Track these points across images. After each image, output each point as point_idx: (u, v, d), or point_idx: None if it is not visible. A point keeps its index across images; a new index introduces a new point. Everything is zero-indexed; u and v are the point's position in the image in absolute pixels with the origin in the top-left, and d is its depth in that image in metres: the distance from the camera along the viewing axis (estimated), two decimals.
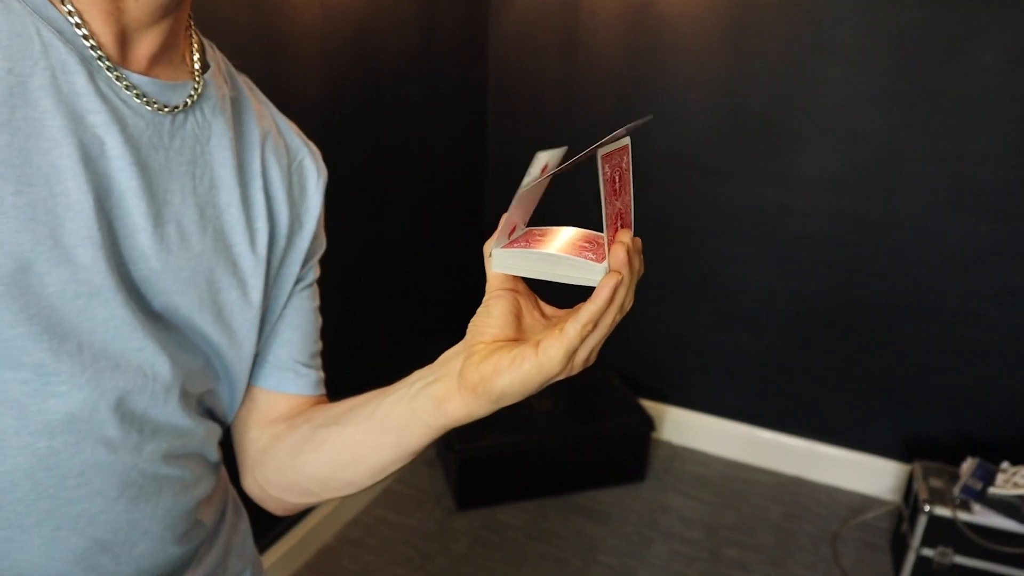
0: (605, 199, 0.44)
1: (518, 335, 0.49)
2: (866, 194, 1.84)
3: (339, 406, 0.63)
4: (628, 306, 0.47)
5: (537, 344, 0.46)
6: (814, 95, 1.82)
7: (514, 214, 0.48)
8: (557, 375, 0.47)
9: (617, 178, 0.45)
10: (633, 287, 0.46)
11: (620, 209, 0.46)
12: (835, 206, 1.87)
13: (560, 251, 0.46)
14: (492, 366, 0.47)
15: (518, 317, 0.50)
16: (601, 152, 0.43)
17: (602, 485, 2.03)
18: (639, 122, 0.45)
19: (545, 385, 0.47)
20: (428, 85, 1.89)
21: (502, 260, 0.48)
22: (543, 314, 0.52)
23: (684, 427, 2.23)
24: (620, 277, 0.44)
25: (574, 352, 0.46)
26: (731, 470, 2.14)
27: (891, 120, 1.77)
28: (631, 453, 2.04)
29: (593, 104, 2.04)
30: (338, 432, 0.60)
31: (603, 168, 0.43)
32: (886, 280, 1.88)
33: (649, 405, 2.21)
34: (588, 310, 0.45)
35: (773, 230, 1.96)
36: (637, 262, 0.46)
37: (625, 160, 0.46)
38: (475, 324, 0.50)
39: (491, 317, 0.49)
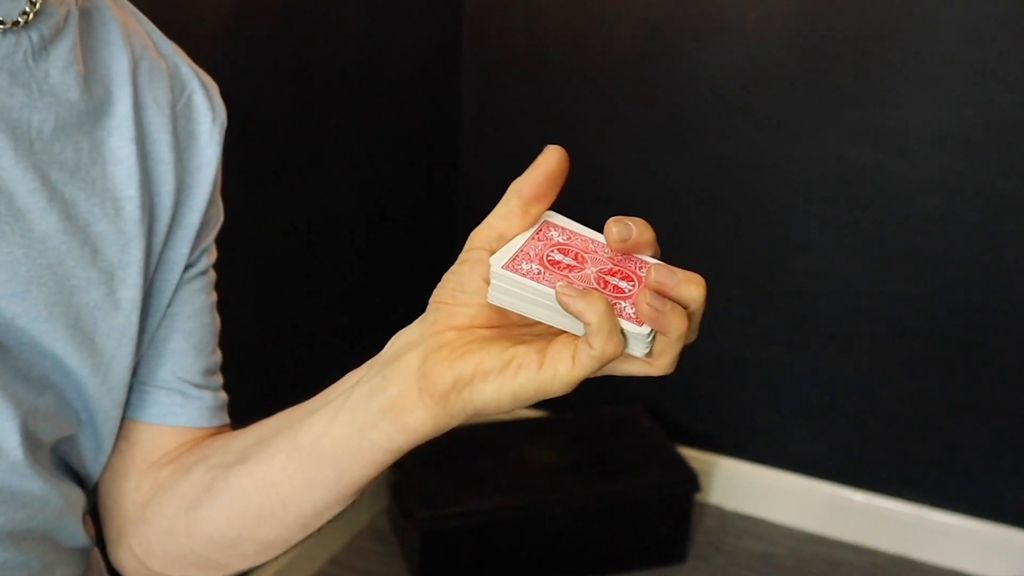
0: (556, 288, 0.45)
1: (501, 318, 0.50)
2: (1000, 155, 1.77)
3: (243, 436, 0.62)
4: (692, 338, 0.48)
5: (542, 351, 0.46)
6: (925, 14, 1.75)
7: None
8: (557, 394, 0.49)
9: (558, 255, 0.48)
10: (695, 319, 0.47)
11: (599, 272, 0.47)
12: (956, 173, 1.81)
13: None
14: (472, 367, 0.47)
15: None
16: (497, 264, 0.47)
17: (625, 568, 1.95)
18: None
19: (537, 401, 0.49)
20: None
21: (500, 291, 0.48)
22: None
23: (740, 486, 2.16)
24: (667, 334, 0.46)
25: None
26: (807, 546, 2.06)
27: None
28: (666, 522, 1.97)
29: (613, 30, 1.98)
30: (245, 472, 0.59)
31: (518, 270, 0.46)
32: None
33: (692, 455, 2.14)
34: (642, 371, 0.48)
35: (866, 207, 1.89)
36: (694, 291, 0.46)
37: (556, 233, 0.49)
38: (441, 300, 0.50)
39: (465, 292, 0.49)
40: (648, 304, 0.44)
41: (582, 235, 0.50)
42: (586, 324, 0.44)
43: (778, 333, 2.03)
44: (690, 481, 1.91)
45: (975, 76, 1.74)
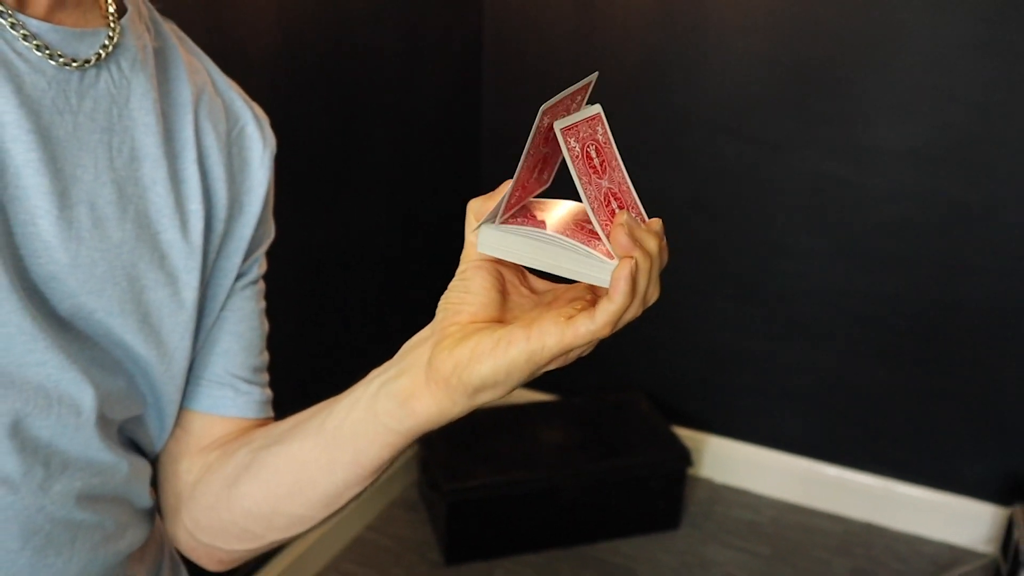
0: (580, 180, 0.45)
1: (501, 315, 0.51)
2: (959, 169, 1.84)
3: (282, 423, 0.64)
4: (652, 298, 0.47)
5: (529, 325, 0.47)
6: (892, 44, 1.82)
7: (519, 181, 0.48)
8: (548, 367, 0.48)
9: (593, 153, 0.47)
10: (656, 275, 0.47)
11: (610, 189, 0.48)
12: (920, 184, 1.88)
13: (564, 234, 0.47)
14: (469, 351, 0.48)
15: (502, 293, 0.51)
16: (559, 126, 0.45)
17: (626, 534, 2.05)
18: (583, 83, 0.47)
19: (532, 378, 0.48)
20: (408, 32, 1.89)
21: (490, 239, 0.49)
22: (532, 289, 0.54)
23: (728, 462, 2.24)
24: (633, 264, 0.45)
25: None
26: (787, 515, 2.14)
27: (990, 75, 1.76)
28: (662, 494, 2.05)
29: (615, 56, 2.05)
30: (281, 453, 0.61)
31: (567, 143, 0.45)
32: (985, 278, 1.88)
33: (685, 434, 2.22)
34: (606, 310, 0.45)
35: (840, 215, 1.96)
36: (654, 244, 0.47)
37: (600, 131, 0.48)
38: (448, 301, 0.51)
39: (469, 293, 0.50)
40: (621, 234, 0.45)
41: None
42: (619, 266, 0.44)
43: (763, 327, 2.09)
44: (684, 457, 1.99)
45: (938, 99, 1.79)
